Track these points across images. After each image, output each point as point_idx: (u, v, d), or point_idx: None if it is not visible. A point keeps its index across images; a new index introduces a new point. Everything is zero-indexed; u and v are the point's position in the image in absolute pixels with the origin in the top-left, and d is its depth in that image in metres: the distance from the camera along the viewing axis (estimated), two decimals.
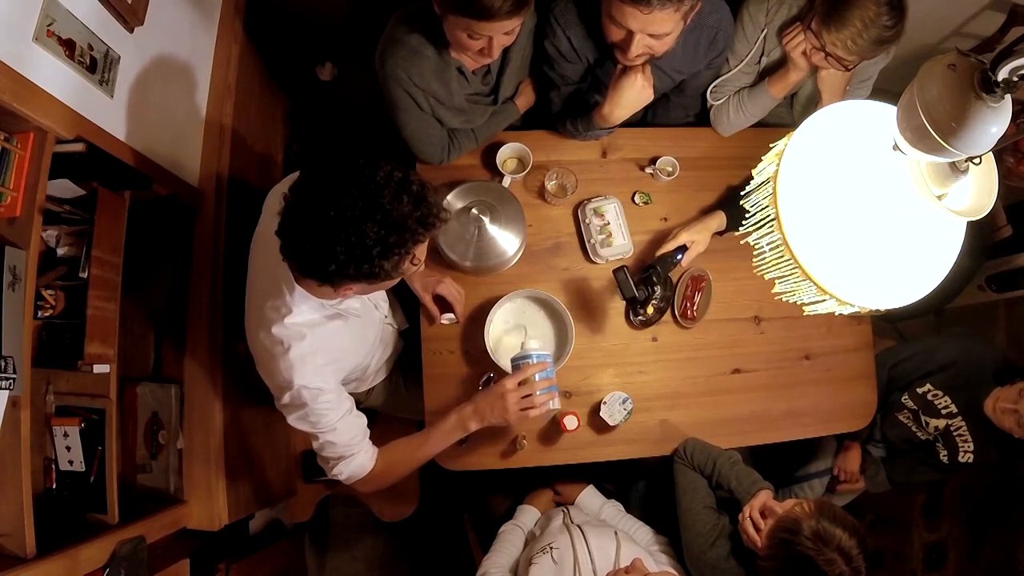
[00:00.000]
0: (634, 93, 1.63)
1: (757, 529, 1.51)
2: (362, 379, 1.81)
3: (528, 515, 1.85)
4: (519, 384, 1.49)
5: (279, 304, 1.36)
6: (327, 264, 1.16)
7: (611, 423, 1.75)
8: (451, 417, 1.54)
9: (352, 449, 1.48)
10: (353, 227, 1.12)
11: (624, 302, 1.88)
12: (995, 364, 1.92)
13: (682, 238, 1.76)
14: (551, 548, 1.53)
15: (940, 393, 1.97)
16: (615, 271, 1.62)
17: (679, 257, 1.73)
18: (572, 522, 1.67)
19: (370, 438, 1.55)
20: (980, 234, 2.46)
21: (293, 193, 1.18)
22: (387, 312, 1.75)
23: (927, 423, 2.01)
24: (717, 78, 1.87)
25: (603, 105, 1.69)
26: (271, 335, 1.35)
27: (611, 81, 1.65)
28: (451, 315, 1.79)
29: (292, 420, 1.42)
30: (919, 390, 2.01)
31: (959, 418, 1.93)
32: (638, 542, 1.66)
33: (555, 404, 1.51)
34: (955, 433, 1.95)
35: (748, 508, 1.56)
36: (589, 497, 1.89)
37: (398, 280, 1.31)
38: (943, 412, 1.96)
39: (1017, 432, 1.78)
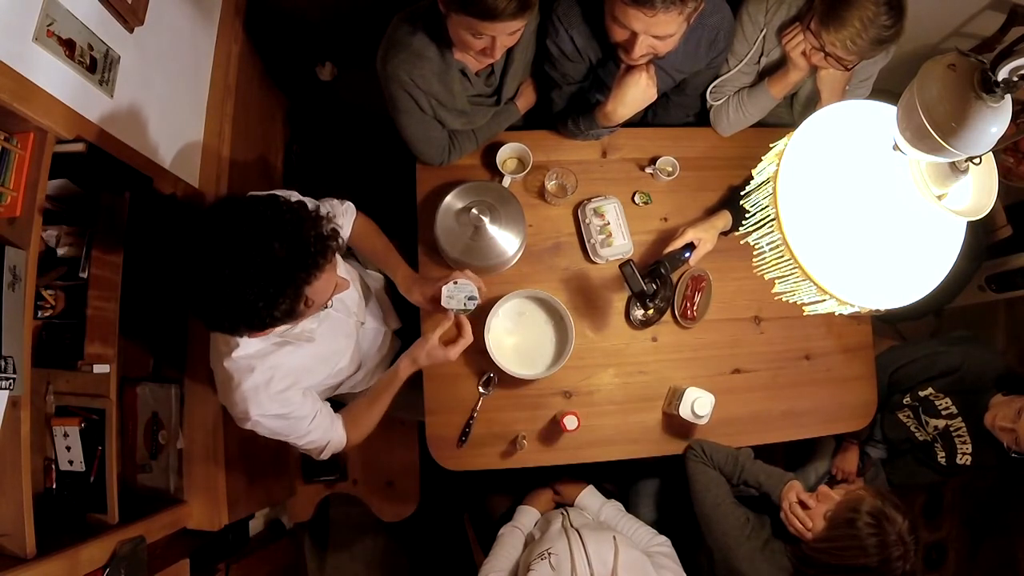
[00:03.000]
0: (638, 92, 1.63)
1: (804, 512, 1.54)
2: (355, 381, 1.81)
3: (527, 516, 1.85)
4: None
5: (228, 338, 1.36)
6: (221, 322, 1.18)
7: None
8: (398, 375, 1.58)
9: (327, 437, 1.54)
10: (228, 287, 1.11)
11: (625, 301, 1.88)
12: (997, 371, 1.92)
13: (689, 236, 1.75)
14: (549, 554, 1.53)
15: (941, 395, 1.97)
16: (621, 265, 1.61)
17: (687, 255, 1.73)
18: (571, 526, 1.67)
19: (368, 436, 1.61)
20: (977, 237, 2.46)
21: (179, 254, 1.18)
22: (364, 318, 1.72)
23: (927, 423, 2.01)
24: (717, 78, 1.88)
25: (606, 103, 1.69)
26: (223, 369, 1.37)
27: (615, 79, 1.65)
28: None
29: (262, 433, 1.46)
30: (920, 393, 2.01)
31: (959, 419, 1.93)
32: (637, 543, 1.66)
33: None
34: (954, 434, 1.95)
35: (792, 494, 1.59)
36: (589, 498, 1.89)
37: (319, 308, 1.30)
38: (943, 413, 1.96)
39: (1014, 448, 1.78)
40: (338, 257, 1.28)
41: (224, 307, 1.14)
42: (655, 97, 1.67)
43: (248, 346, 1.36)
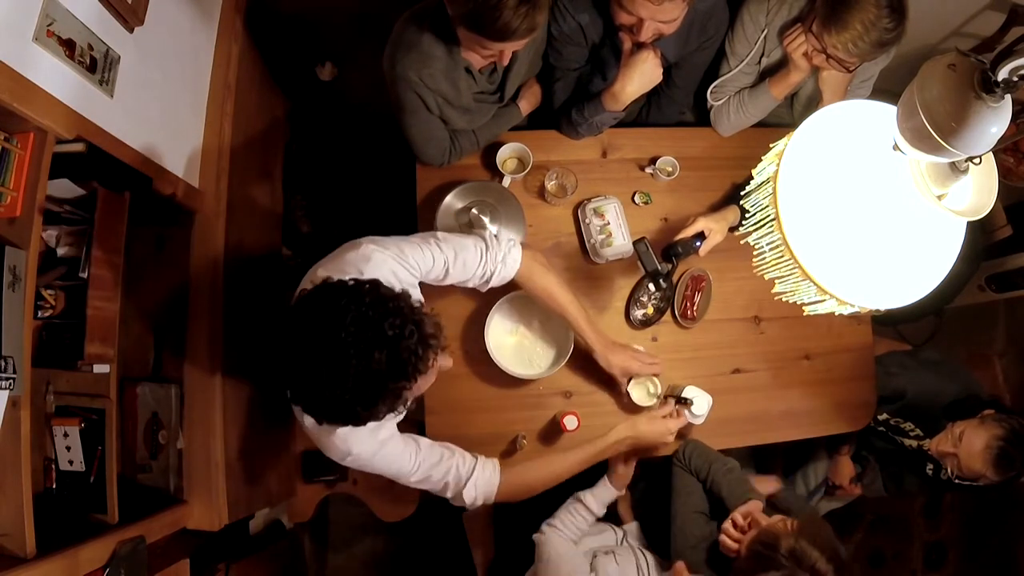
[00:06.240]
0: (648, 69, 1.66)
1: (739, 534, 1.52)
2: None
3: (604, 493, 1.79)
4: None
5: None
6: (325, 418, 1.17)
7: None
8: (611, 438, 1.63)
9: (451, 472, 1.46)
10: (328, 390, 1.10)
11: (626, 301, 1.88)
12: (949, 398, 1.90)
13: (700, 224, 1.72)
14: (615, 553, 1.59)
15: (901, 420, 1.97)
16: (635, 242, 1.62)
17: (698, 244, 1.71)
18: (640, 547, 1.72)
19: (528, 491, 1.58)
20: (975, 239, 2.45)
21: (277, 351, 1.15)
22: None
23: (902, 441, 2.01)
24: (717, 77, 1.88)
25: (614, 83, 1.70)
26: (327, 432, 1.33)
27: (622, 59, 1.67)
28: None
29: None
30: (879, 417, 2.01)
31: (928, 440, 1.92)
32: None
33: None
34: (931, 453, 1.94)
35: (736, 513, 1.56)
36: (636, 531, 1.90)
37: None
38: (911, 434, 1.96)
39: (956, 473, 1.75)
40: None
41: (325, 407, 1.14)
42: (660, 78, 1.69)
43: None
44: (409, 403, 1.24)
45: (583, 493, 1.76)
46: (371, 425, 1.31)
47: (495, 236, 1.56)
